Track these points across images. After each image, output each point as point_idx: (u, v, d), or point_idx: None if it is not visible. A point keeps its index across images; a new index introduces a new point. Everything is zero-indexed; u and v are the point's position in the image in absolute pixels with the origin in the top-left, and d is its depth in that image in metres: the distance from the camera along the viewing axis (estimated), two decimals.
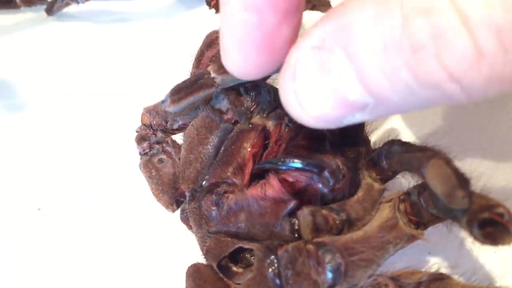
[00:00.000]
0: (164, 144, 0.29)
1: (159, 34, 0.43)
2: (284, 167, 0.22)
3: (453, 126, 0.33)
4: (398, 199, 0.23)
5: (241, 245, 0.22)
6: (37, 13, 0.45)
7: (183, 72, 0.29)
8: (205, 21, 0.34)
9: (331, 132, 0.25)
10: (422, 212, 0.22)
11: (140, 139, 0.30)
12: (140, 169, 0.29)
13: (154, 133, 0.30)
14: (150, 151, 0.29)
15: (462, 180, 0.18)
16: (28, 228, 0.31)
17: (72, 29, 0.44)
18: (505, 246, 0.18)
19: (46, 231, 0.31)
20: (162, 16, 0.44)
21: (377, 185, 0.24)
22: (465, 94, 0.15)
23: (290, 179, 0.23)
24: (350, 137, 0.26)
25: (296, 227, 0.22)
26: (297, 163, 0.22)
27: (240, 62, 0.20)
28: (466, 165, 0.19)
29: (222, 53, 0.21)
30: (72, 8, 0.44)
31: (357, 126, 0.26)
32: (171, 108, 0.27)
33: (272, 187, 0.23)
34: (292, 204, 0.22)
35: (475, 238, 0.18)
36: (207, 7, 0.38)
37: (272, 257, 0.21)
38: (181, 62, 0.30)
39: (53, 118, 0.38)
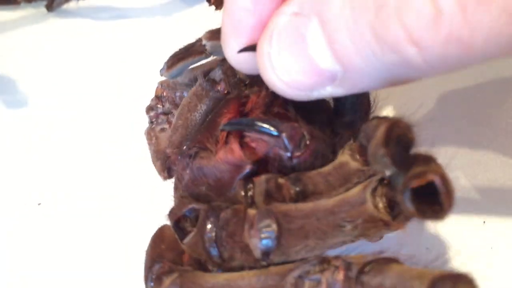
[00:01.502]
0: (169, 116, 0.30)
1: (159, 31, 0.42)
2: (238, 127, 0.22)
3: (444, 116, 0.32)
4: (377, 181, 0.21)
5: (194, 205, 0.22)
6: (37, 9, 0.45)
7: None
8: (205, 19, 0.33)
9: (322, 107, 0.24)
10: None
11: (149, 108, 0.31)
12: (145, 136, 0.30)
13: (162, 104, 0.31)
14: (156, 120, 0.30)
15: (392, 140, 0.16)
16: (27, 226, 0.31)
17: (72, 25, 0.44)
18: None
19: (46, 230, 0.30)
20: (162, 13, 0.44)
21: (355, 164, 0.22)
22: (423, 58, 0.16)
23: (253, 145, 0.22)
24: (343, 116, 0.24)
25: (251, 194, 0.21)
26: (253, 123, 0.21)
27: (236, 48, 0.21)
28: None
29: (222, 41, 0.22)
30: (72, 4, 0.44)
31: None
32: (167, 74, 0.28)
33: (232, 151, 0.22)
34: (248, 168, 0.21)
35: (406, 210, 0.16)
36: (206, 4, 0.37)
37: (213, 218, 0.20)
38: None
39: (53, 113, 0.37)
